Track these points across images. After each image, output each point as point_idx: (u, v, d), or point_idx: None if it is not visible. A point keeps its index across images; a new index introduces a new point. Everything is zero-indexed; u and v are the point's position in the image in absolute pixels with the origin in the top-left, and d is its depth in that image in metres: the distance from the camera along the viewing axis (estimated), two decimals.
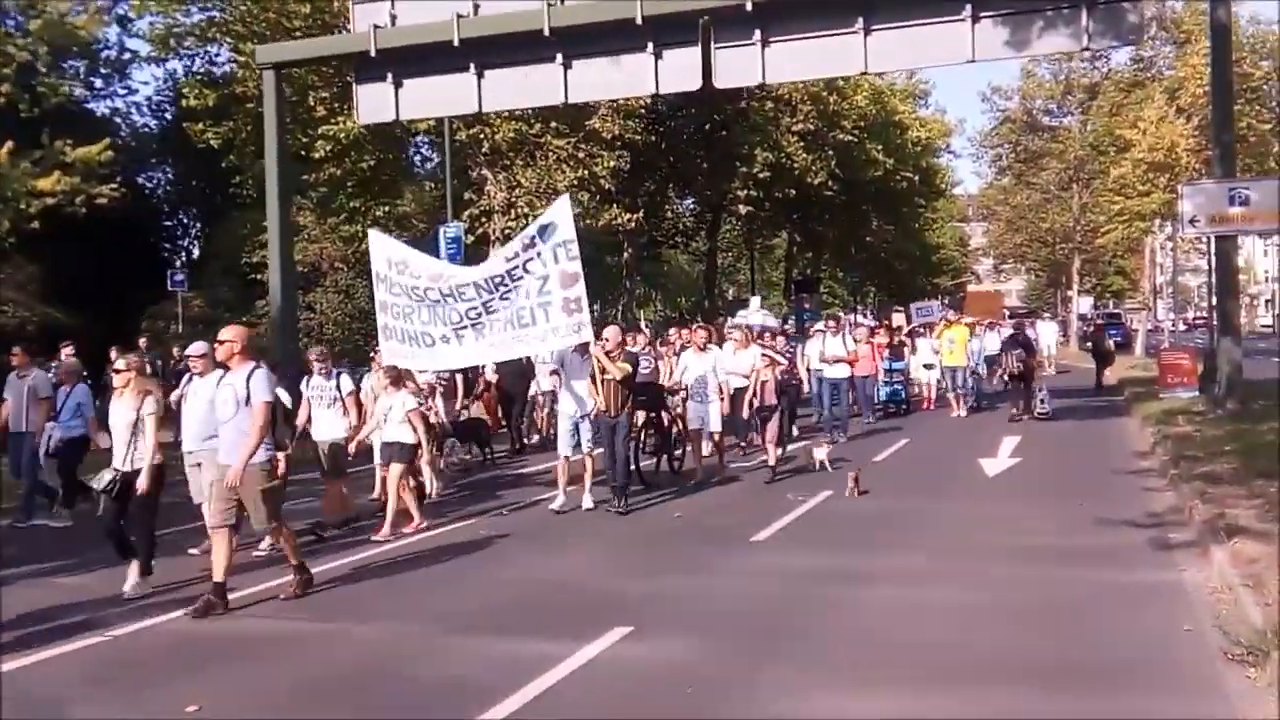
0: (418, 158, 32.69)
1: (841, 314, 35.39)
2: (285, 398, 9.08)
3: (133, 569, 7.70)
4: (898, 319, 27.32)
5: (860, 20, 14.67)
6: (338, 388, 10.08)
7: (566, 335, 10.34)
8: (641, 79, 15.99)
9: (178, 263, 33.70)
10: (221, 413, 7.29)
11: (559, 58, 15.83)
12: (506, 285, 10.22)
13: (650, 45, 15.44)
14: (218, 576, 7.16)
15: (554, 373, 12.29)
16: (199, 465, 8.30)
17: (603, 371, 10.51)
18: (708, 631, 6.45)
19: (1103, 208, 38.27)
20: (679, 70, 15.56)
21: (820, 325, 19.07)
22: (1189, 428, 14.35)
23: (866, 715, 5.11)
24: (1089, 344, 28.85)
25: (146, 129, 35.25)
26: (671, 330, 19.63)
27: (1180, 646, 5.82)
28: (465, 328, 10.32)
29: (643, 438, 12.88)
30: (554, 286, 10.16)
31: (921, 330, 23.05)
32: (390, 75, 16.74)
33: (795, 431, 15.84)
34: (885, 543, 8.93)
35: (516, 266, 10.23)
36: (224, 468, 7.17)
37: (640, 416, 12.38)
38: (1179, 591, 6.92)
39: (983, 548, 8.57)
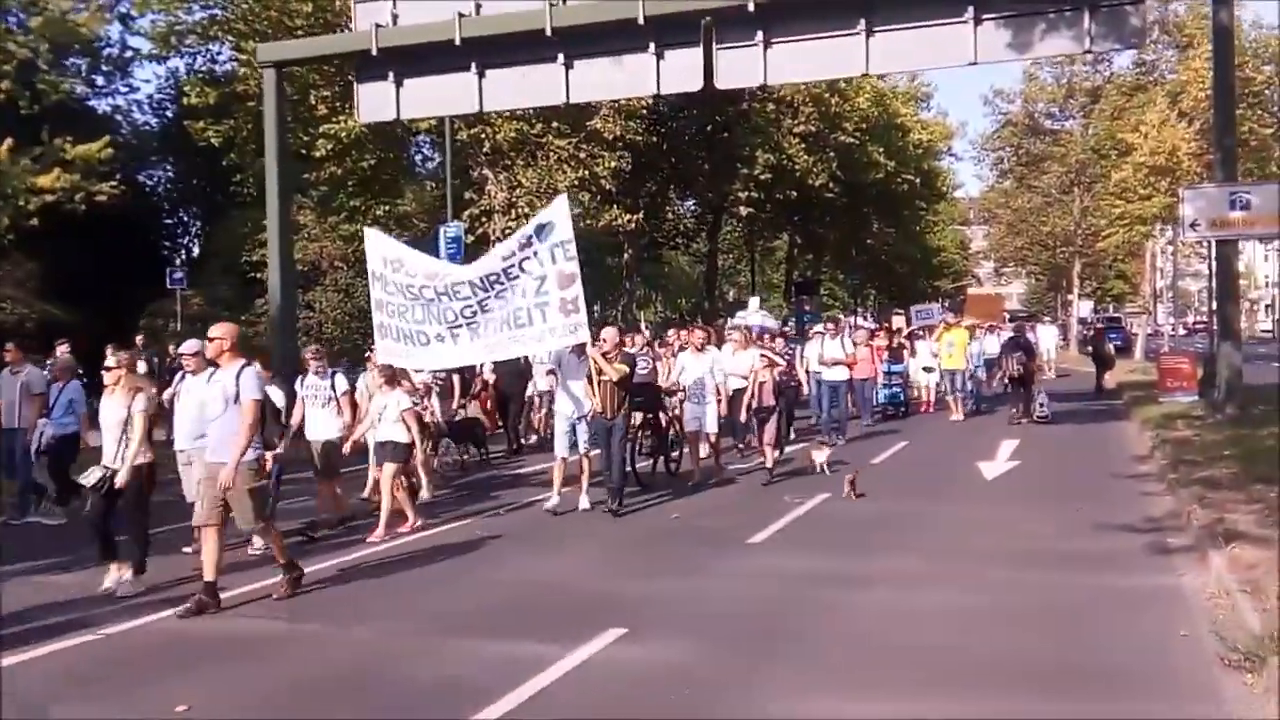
0: (418, 157, 32.79)
1: (841, 316, 35.43)
2: (276, 396, 9.04)
3: (112, 569, 7.70)
4: (897, 321, 27.29)
5: (862, 22, 14.69)
6: (332, 387, 10.05)
7: (563, 336, 10.31)
8: (643, 79, 16.00)
9: (177, 260, 33.69)
10: (210, 410, 7.28)
11: (560, 58, 15.85)
12: (502, 284, 10.18)
13: (652, 45, 15.45)
14: (208, 575, 7.14)
15: (550, 373, 12.26)
16: (191, 463, 8.26)
17: (599, 373, 10.47)
18: (703, 633, 6.42)
19: (1104, 211, 38.27)
20: (681, 71, 15.57)
21: (819, 327, 19.05)
22: (1188, 432, 14.33)
23: (863, 718, 5.10)
24: (1089, 348, 28.84)
25: (147, 127, 35.26)
26: (670, 331, 19.61)
27: (1177, 652, 5.80)
28: (460, 327, 10.29)
29: (640, 439, 12.85)
30: (551, 287, 10.12)
31: (921, 333, 23.01)
32: (391, 74, 16.77)
33: (793, 434, 15.81)
34: (882, 545, 8.90)
35: (512, 265, 10.19)
36: (211, 465, 7.15)
37: (637, 417, 12.35)
38: (1177, 596, 6.90)
39: (980, 551, 8.54)
